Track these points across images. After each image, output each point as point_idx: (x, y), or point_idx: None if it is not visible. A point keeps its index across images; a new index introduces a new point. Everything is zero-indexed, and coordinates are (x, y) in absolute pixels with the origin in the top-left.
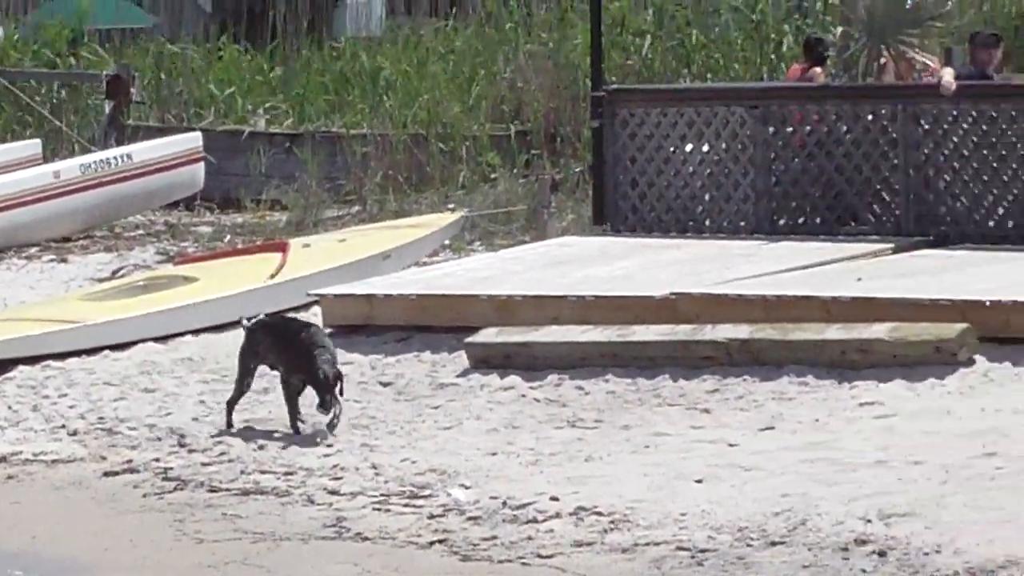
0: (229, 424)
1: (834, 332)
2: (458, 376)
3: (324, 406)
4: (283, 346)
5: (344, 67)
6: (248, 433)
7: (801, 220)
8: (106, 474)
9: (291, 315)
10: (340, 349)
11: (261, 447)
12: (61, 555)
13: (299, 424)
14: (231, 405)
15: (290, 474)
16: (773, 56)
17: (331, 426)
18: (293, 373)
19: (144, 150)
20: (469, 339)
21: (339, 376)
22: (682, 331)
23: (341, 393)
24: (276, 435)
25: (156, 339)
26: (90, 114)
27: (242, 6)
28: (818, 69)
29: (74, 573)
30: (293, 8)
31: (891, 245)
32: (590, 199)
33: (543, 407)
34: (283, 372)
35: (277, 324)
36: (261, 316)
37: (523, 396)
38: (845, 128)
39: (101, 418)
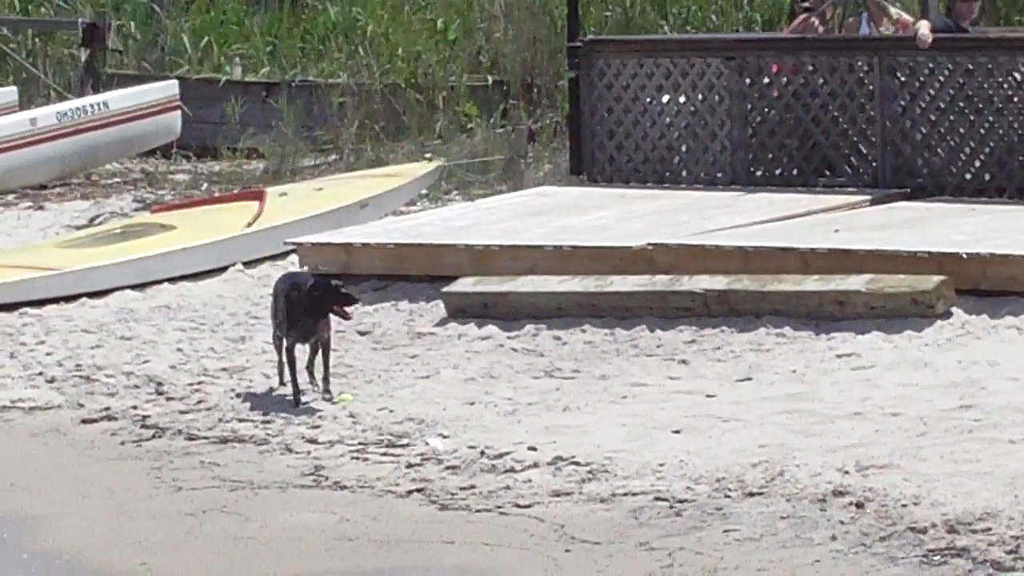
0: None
1: (811, 284)
2: (435, 325)
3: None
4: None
5: (320, 16)
6: (226, 381)
7: (778, 171)
8: (84, 421)
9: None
10: None
11: (239, 395)
12: (38, 502)
13: (300, 396)
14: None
15: (268, 422)
16: (747, 7)
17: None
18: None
19: (120, 98)
20: (446, 288)
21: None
22: (659, 282)
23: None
24: (254, 383)
25: (133, 287)
26: (66, 62)
27: None
28: (814, 19)
29: (52, 520)
30: None
31: (868, 197)
32: (567, 149)
33: (521, 357)
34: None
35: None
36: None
37: (500, 346)
38: (822, 80)
39: (78, 365)
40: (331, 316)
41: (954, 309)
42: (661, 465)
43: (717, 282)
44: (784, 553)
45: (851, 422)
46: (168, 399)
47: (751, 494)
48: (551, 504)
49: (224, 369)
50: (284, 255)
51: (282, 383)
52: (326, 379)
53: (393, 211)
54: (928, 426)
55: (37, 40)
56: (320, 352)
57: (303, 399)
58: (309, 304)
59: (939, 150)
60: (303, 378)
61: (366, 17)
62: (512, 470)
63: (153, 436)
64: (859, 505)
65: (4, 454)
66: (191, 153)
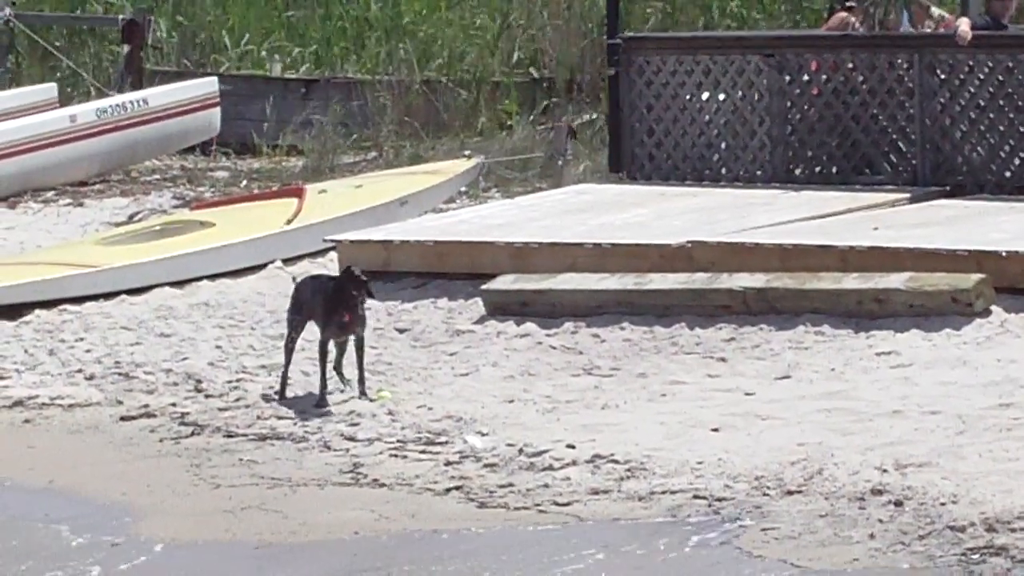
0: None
1: (851, 282)
2: (474, 323)
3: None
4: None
5: (360, 12)
6: (264, 378)
7: (818, 169)
8: (123, 418)
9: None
10: None
11: (278, 393)
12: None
13: (326, 395)
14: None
15: (306, 420)
16: (786, 6)
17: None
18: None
19: (160, 95)
20: (485, 286)
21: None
22: (699, 279)
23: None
24: (292, 381)
25: (172, 284)
26: (106, 58)
27: None
28: (852, 18)
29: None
30: None
31: (908, 195)
32: (607, 147)
33: (559, 354)
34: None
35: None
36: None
37: (539, 343)
38: (861, 77)
39: (118, 362)
40: (366, 314)
41: (993, 307)
42: (700, 463)
43: (756, 280)
44: (823, 551)
45: (890, 420)
46: (207, 396)
47: (790, 492)
48: (589, 502)
49: (263, 366)
50: (323, 252)
51: (283, 396)
52: (361, 380)
53: (432, 208)
54: (967, 424)
55: (82, 35)
56: (355, 350)
57: (330, 398)
58: (335, 292)
59: (979, 148)
60: (331, 377)
61: (406, 13)
62: (551, 468)
63: (192, 433)
64: (898, 503)
65: (43, 451)
66: (230, 150)
